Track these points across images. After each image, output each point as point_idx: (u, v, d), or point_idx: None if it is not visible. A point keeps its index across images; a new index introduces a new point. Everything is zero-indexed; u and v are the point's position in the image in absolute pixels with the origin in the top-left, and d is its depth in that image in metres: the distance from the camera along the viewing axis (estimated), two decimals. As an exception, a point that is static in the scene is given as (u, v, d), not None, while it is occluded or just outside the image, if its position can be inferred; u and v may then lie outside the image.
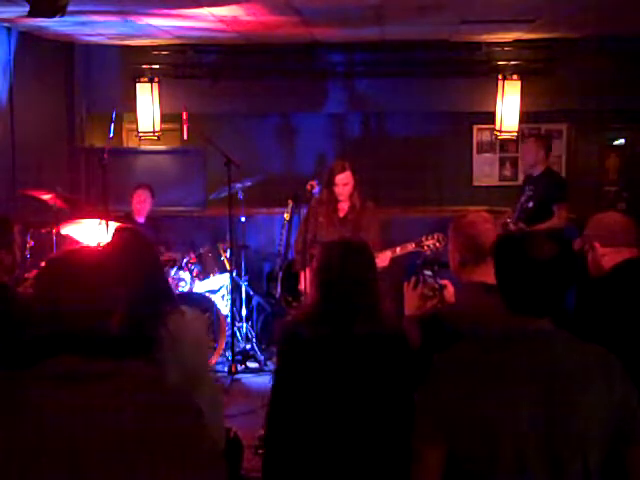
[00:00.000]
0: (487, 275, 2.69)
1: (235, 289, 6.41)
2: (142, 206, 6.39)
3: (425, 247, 5.20)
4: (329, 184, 5.34)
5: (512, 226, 5.84)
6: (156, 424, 1.60)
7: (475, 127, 7.94)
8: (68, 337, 1.62)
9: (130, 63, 7.69)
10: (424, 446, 1.96)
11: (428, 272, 3.03)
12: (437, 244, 5.18)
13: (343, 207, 5.42)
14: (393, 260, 5.24)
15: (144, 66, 7.62)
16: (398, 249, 5.24)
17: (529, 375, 1.90)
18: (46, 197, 5.70)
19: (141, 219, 6.41)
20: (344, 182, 5.31)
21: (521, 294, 1.98)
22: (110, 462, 1.55)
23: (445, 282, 2.99)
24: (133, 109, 7.59)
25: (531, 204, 6.04)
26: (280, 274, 6.17)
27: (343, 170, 5.31)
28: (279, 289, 6.15)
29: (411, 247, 5.22)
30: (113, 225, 5.61)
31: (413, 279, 3.01)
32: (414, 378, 2.66)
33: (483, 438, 1.90)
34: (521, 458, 1.88)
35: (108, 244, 2.71)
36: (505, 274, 2.03)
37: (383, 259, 5.06)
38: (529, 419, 1.88)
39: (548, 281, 1.96)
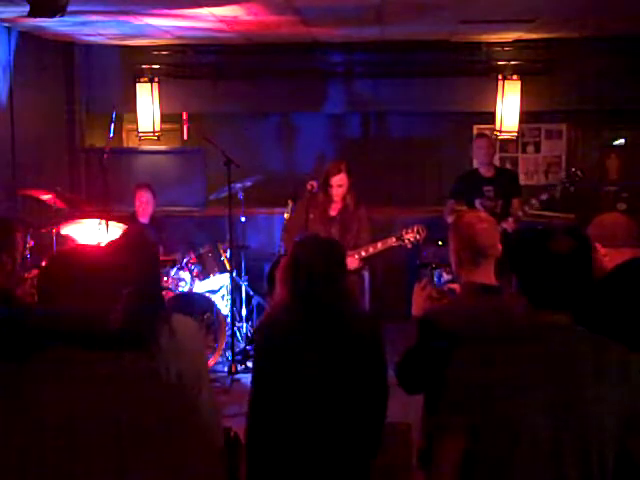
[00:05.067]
0: (485, 275, 2.71)
1: (235, 289, 6.41)
2: (144, 207, 6.38)
3: (406, 241, 5.26)
4: (324, 185, 5.44)
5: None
6: (150, 414, 1.63)
7: (475, 127, 7.94)
8: (66, 329, 1.65)
9: (130, 63, 7.68)
10: (445, 436, 2.00)
11: (444, 275, 3.06)
12: (417, 236, 5.23)
13: (336, 207, 5.50)
14: (381, 255, 5.37)
15: (144, 66, 7.62)
16: (379, 244, 5.30)
17: (546, 371, 1.94)
18: (46, 197, 5.69)
19: (145, 219, 6.41)
20: (339, 184, 5.40)
21: (542, 288, 2.00)
22: (105, 448, 1.58)
23: (454, 286, 3.00)
24: (133, 109, 7.59)
25: (498, 208, 6.11)
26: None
27: (338, 172, 5.40)
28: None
29: (392, 242, 5.28)
30: (113, 225, 5.62)
31: (425, 280, 3.03)
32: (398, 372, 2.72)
33: (503, 431, 1.93)
34: (538, 452, 1.91)
35: (113, 242, 2.73)
36: (526, 268, 2.04)
37: (359, 256, 5.24)
38: (545, 414, 1.91)
39: (568, 274, 1.98)
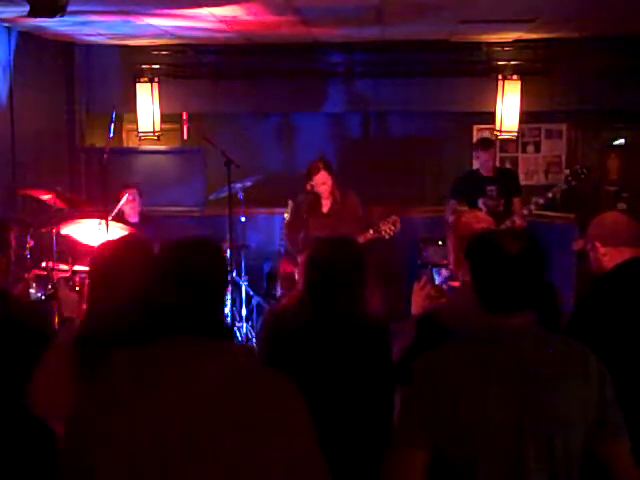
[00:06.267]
0: None
1: (235, 289, 6.40)
2: (131, 206, 6.37)
3: (383, 232, 5.50)
4: (308, 185, 5.69)
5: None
6: (261, 397, 1.69)
7: (475, 127, 7.94)
8: (183, 317, 1.75)
9: (130, 63, 7.68)
10: (409, 447, 1.96)
11: (443, 274, 3.06)
12: (392, 227, 5.47)
13: (326, 203, 5.76)
14: (376, 247, 5.51)
15: (144, 66, 7.61)
16: (360, 238, 5.44)
17: (503, 373, 1.92)
18: (46, 197, 5.68)
19: (134, 219, 6.39)
20: (322, 182, 5.65)
21: (493, 292, 2.00)
22: (223, 432, 1.64)
23: (455, 284, 3.00)
24: (133, 109, 7.59)
25: (501, 207, 6.15)
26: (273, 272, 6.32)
27: (318, 171, 5.65)
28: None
29: (370, 235, 5.51)
30: (113, 225, 5.61)
31: (424, 279, 3.03)
32: (397, 372, 2.72)
33: (464, 437, 1.91)
34: (501, 455, 1.89)
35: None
36: (477, 273, 2.05)
37: None
38: (505, 417, 1.89)
39: (517, 277, 1.97)
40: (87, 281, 2.44)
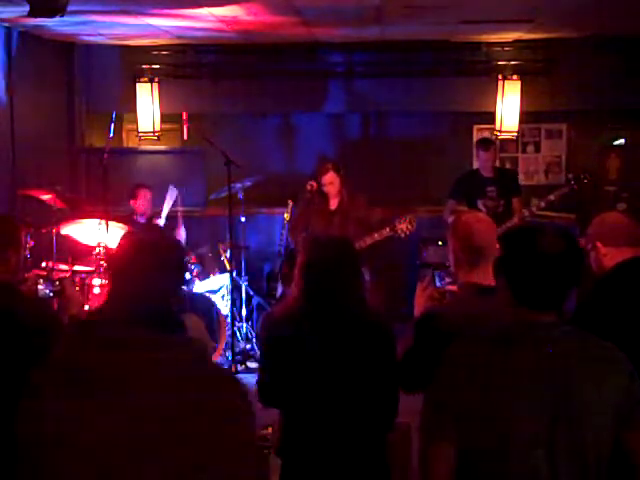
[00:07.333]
0: (482, 276, 2.67)
1: (235, 289, 6.41)
2: (147, 206, 6.38)
3: (399, 231, 5.58)
4: (317, 185, 5.85)
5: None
6: (205, 396, 1.68)
7: (475, 127, 7.94)
8: (137, 310, 1.76)
9: (130, 63, 7.68)
10: (439, 442, 1.98)
11: (446, 278, 3.06)
12: (409, 226, 5.55)
13: (334, 202, 5.89)
14: (376, 247, 5.64)
15: (144, 66, 7.61)
16: (376, 235, 5.59)
17: (536, 370, 1.93)
18: (46, 197, 5.68)
19: (142, 219, 6.39)
20: (329, 181, 5.79)
21: (528, 287, 1.99)
22: (166, 427, 1.63)
23: (452, 288, 2.99)
24: (133, 109, 7.59)
25: (501, 208, 6.18)
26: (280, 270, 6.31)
27: (327, 172, 5.80)
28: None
29: (386, 232, 5.61)
30: (113, 225, 5.61)
31: (428, 279, 3.02)
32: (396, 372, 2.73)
33: (495, 433, 1.92)
34: (531, 451, 1.91)
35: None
36: (513, 266, 2.03)
37: (358, 247, 5.37)
38: (537, 413, 1.91)
39: (555, 275, 1.97)
40: (108, 276, 2.45)
